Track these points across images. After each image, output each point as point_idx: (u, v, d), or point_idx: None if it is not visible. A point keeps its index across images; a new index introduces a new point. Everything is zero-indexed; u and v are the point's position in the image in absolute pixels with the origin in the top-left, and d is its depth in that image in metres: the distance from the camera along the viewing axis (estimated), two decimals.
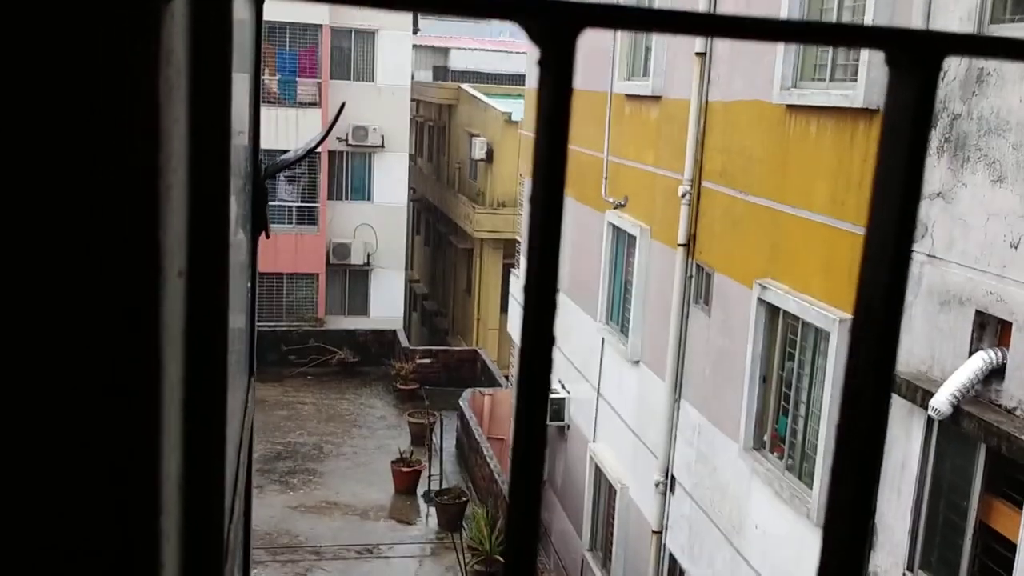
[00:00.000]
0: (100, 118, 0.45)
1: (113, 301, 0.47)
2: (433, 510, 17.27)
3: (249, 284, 1.58)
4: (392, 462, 18.36)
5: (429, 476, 18.04)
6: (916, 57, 0.52)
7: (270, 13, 26.34)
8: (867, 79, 7.47)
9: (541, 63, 0.48)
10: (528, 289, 0.47)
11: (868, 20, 7.47)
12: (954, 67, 6.61)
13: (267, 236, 1.61)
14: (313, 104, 25.76)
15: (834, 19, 8.22)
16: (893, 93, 0.52)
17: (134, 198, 0.47)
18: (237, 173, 1.47)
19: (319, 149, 25.62)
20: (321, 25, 25.42)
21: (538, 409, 0.49)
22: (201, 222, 0.63)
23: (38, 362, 0.49)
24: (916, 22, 6.92)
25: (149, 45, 0.45)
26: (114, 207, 0.47)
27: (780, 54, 8.77)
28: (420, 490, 18.17)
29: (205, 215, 0.63)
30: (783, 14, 8.67)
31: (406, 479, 18.16)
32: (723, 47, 10.12)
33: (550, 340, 0.48)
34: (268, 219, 1.60)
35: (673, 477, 11.12)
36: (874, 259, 0.50)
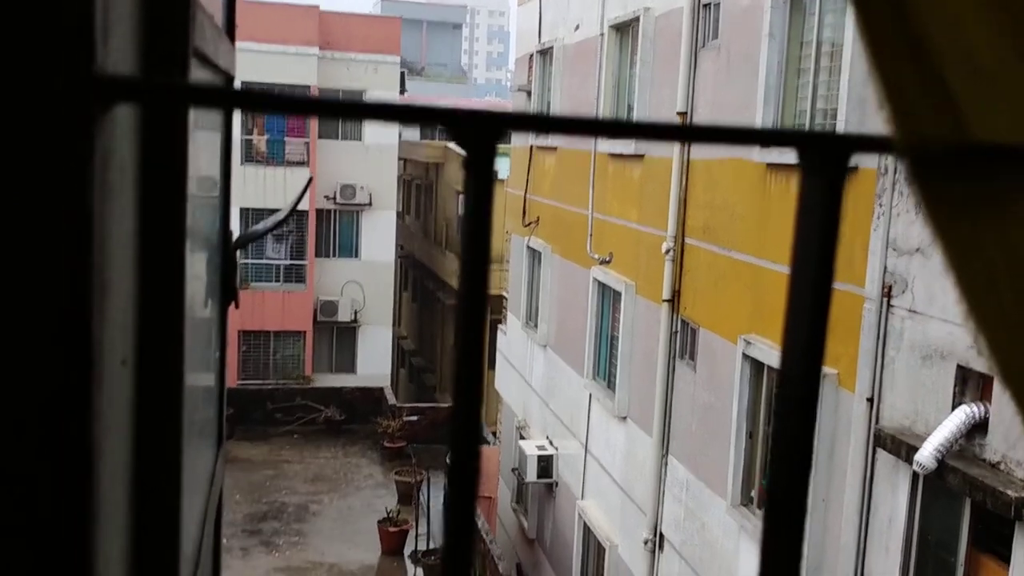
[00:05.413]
0: (26, 221, 0.47)
1: (42, 393, 0.49)
2: (420, 571, 17.02)
3: (218, 353, 1.59)
4: (379, 522, 18.15)
5: (416, 536, 17.83)
6: (825, 156, 0.54)
7: (258, 75, 26.38)
8: None
9: (466, 165, 0.52)
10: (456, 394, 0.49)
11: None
12: None
13: (236, 306, 1.63)
14: (301, 163, 25.97)
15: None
16: (804, 190, 0.55)
17: (62, 294, 0.49)
18: (207, 244, 1.49)
19: (306, 207, 25.75)
20: (309, 86, 25.72)
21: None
22: (153, 312, 0.65)
23: None
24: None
25: (81, 151, 0.47)
26: (42, 302, 0.49)
27: (760, 112, 8.92)
28: (407, 550, 17.93)
29: (157, 304, 0.65)
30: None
31: (393, 539, 17.93)
32: (704, 107, 10.28)
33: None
34: (238, 289, 1.62)
35: (662, 534, 11.02)
36: (789, 375, 0.52)
